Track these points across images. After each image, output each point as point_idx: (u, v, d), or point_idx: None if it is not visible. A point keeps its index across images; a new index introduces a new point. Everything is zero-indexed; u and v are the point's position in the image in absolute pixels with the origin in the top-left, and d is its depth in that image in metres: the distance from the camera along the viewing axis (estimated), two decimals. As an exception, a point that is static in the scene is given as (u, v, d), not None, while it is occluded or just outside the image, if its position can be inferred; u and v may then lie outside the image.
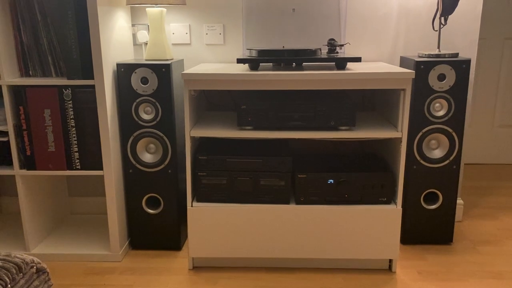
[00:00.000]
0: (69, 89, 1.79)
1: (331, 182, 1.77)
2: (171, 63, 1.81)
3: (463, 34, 2.10)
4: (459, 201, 2.27)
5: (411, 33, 2.11)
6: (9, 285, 1.07)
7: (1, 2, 1.75)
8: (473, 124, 3.18)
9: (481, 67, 3.08)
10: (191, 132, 1.75)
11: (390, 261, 1.84)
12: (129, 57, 2.04)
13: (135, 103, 1.84)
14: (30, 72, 1.87)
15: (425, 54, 1.91)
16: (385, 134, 1.73)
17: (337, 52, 1.82)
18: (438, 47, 1.94)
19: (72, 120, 1.82)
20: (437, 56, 1.88)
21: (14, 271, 1.10)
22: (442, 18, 1.94)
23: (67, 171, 1.87)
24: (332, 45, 1.81)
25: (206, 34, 2.14)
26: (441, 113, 1.88)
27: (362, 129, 1.76)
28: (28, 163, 1.86)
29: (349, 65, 1.88)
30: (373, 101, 2.17)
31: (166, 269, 1.87)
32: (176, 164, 1.89)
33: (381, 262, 1.85)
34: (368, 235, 1.77)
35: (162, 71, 1.80)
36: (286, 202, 1.79)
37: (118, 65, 1.83)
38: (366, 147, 2.21)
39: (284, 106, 1.72)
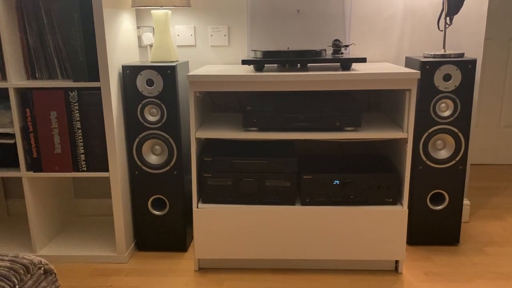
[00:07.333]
0: (75, 91, 1.80)
1: (336, 183, 1.76)
2: (176, 65, 1.82)
3: (468, 34, 2.09)
4: (466, 201, 2.26)
5: (416, 33, 2.10)
6: (17, 286, 1.07)
7: (7, 5, 1.77)
8: (479, 125, 3.17)
9: (487, 67, 3.06)
10: (196, 133, 1.75)
11: (397, 262, 1.84)
12: (134, 59, 2.05)
13: (140, 105, 1.85)
14: (37, 75, 1.88)
15: (431, 54, 1.91)
16: (390, 135, 1.72)
17: (342, 53, 1.82)
18: (444, 47, 1.93)
19: (78, 122, 1.83)
20: (443, 56, 1.88)
21: (22, 272, 1.11)
22: (448, 18, 1.93)
23: (73, 173, 1.88)
24: (337, 46, 1.81)
25: (211, 35, 2.14)
26: (447, 113, 1.87)
27: (367, 129, 1.76)
28: (34, 165, 1.87)
29: (354, 65, 1.88)
30: (378, 102, 2.17)
31: (172, 270, 1.87)
32: (181, 166, 1.90)
33: (387, 263, 1.85)
34: (374, 236, 1.77)
35: (167, 73, 1.81)
36: (292, 203, 1.79)
37: (124, 67, 1.83)
38: (371, 147, 2.20)
39: (289, 107, 1.72)
